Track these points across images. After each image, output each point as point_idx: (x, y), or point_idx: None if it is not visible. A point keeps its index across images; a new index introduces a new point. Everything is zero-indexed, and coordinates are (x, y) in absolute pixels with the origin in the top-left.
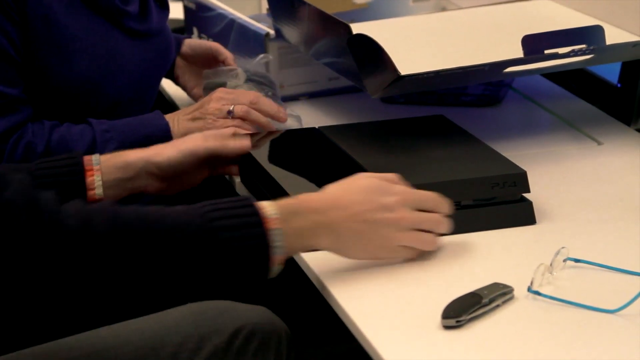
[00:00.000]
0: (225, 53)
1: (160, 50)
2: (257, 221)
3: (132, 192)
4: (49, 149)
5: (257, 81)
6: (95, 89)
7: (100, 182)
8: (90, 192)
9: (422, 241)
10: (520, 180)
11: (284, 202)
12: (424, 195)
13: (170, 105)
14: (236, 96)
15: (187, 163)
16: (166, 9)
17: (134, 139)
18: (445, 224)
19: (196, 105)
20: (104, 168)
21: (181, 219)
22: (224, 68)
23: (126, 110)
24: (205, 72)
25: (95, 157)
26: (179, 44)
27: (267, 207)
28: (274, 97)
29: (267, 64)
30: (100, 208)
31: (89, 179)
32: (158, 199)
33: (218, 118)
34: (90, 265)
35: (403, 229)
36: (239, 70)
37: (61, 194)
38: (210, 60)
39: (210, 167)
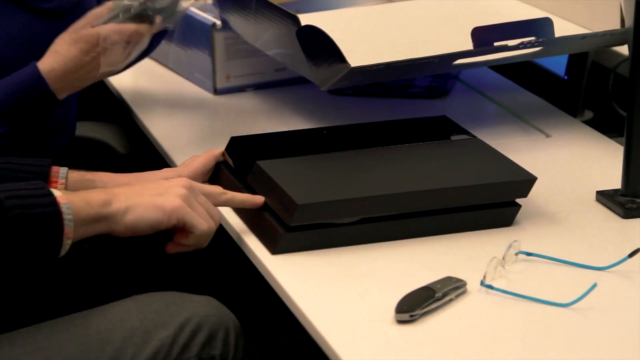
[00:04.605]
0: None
1: None
2: (47, 192)
3: None
4: None
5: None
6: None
7: None
8: None
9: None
10: (527, 186)
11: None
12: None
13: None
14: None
15: None
16: None
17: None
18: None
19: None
20: (70, 186)
21: None
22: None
23: None
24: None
25: (63, 170)
26: None
27: (54, 190)
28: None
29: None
30: None
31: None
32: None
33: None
34: None
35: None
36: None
37: None
38: None
39: None
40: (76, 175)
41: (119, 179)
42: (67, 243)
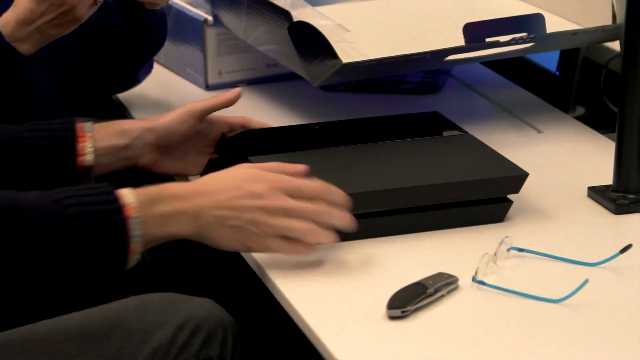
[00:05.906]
0: None
1: None
2: (115, 208)
3: (126, 162)
4: None
5: None
6: None
7: (92, 149)
8: (80, 158)
9: (294, 230)
10: (519, 182)
11: (145, 189)
12: (303, 184)
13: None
14: None
15: (184, 128)
16: None
17: None
18: (331, 215)
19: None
20: (97, 134)
21: (32, 205)
22: None
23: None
24: None
25: (88, 124)
26: None
27: (127, 195)
28: None
29: None
30: None
31: (80, 145)
32: None
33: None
34: None
35: (274, 216)
36: None
37: (52, 158)
38: None
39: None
40: (102, 124)
41: (141, 123)
42: (133, 258)
